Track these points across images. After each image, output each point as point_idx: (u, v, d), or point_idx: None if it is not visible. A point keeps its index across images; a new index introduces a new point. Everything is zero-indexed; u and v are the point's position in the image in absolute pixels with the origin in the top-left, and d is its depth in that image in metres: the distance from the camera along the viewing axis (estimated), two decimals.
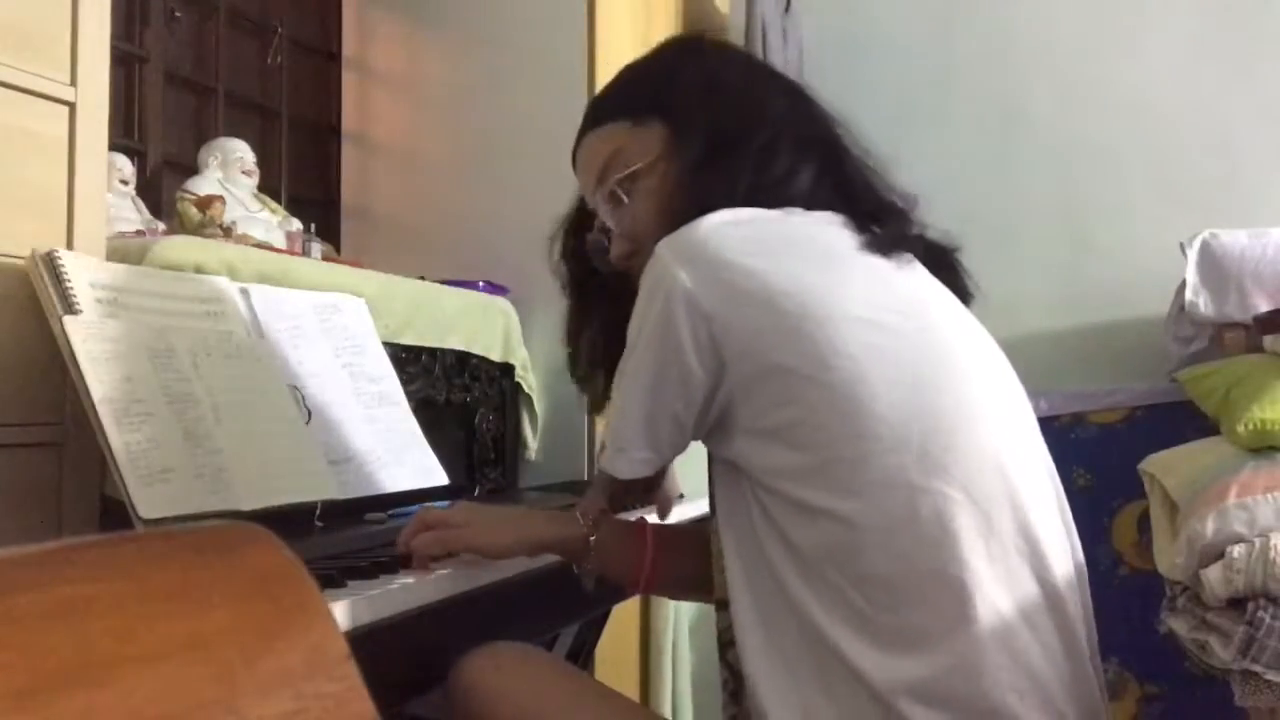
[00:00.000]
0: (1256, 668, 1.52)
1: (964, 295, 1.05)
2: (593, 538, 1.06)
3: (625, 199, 1.08)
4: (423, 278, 1.78)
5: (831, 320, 0.90)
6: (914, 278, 0.99)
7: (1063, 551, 0.93)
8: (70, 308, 1.02)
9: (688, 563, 1.10)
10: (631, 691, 2.05)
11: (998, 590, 0.87)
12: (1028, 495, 0.91)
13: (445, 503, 1.42)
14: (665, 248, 0.94)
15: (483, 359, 1.78)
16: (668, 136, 1.06)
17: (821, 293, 0.91)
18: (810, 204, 1.00)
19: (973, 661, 0.85)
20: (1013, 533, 0.89)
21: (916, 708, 0.84)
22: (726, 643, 0.98)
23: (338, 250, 2.08)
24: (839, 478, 0.88)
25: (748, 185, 1.00)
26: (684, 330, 0.91)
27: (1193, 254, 2.20)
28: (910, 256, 1.00)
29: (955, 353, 0.95)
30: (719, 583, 0.98)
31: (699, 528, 1.18)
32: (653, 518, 1.20)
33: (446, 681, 1.00)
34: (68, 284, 1.02)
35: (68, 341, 0.99)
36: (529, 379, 1.91)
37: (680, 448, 0.99)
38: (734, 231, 0.94)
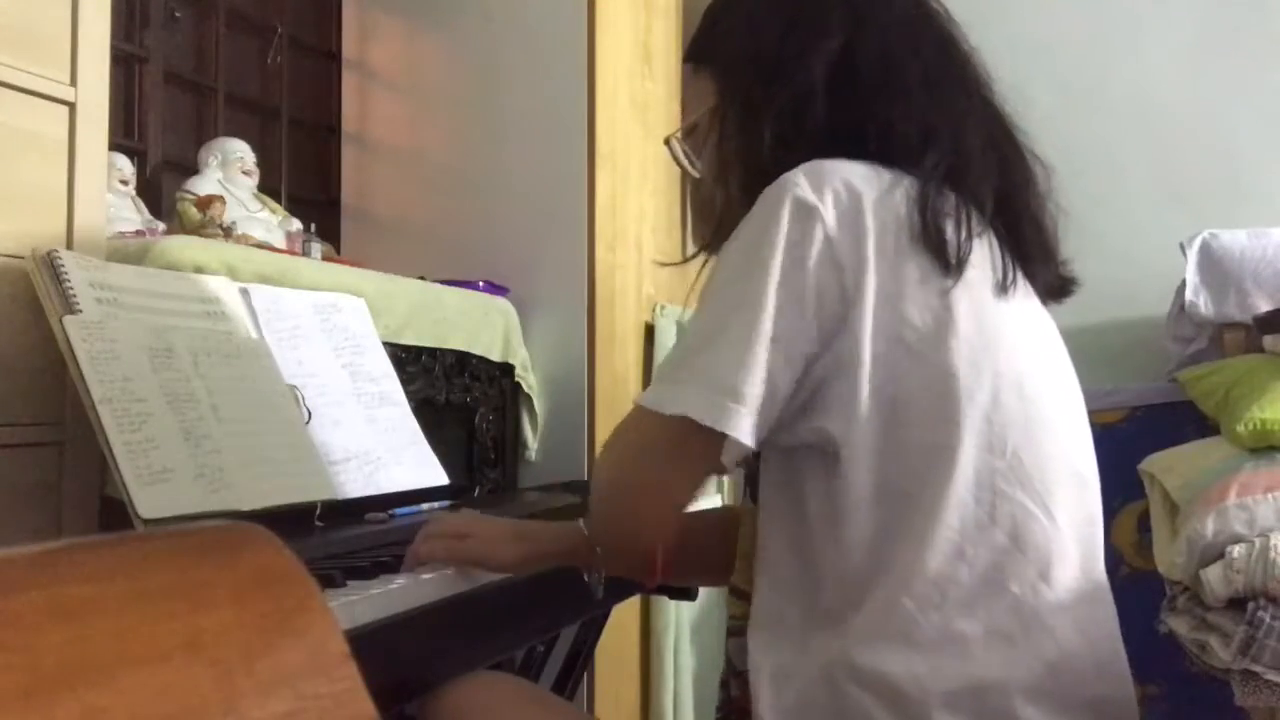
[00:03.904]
0: (1256, 668, 1.52)
1: (1050, 291, 0.96)
2: (599, 548, 1.03)
3: (696, 152, 1.02)
4: (423, 278, 1.78)
5: (959, 294, 0.83)
6: (1011, 284, 0.90)
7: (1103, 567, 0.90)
8: (70, 308, 1.02)
9: (700, 549, 1.07)
10: (631, 691, 2.05)
11: (1057, 612, 0.82)
12: (1095, 517, 0.88)
13: (446, 502, 1.42)
14: (805, 176, 0.83)
15: (483, 359, 1.78)
16: (715, 87, 0.98)
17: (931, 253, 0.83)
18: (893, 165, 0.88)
19: (1014, 679, 0.80)
20: (1079, 555, 0.85)
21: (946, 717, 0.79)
22: (732, 630, 0.97)
23: (338, 250, 2.08)
24: (920, 464, 0.82)
25: (796, 144, 0.88)
26: (811, 278, 0.81)
27: (1193, 254, 2.20)
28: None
29: (1049, 357, 0.90)
30: (740, 568, 0.95)
31: (709, 511, 1.16)
32: None
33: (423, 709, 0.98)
34: (68, 284, 1.02)
35: (68, 341, 0.99)
36: (529, 379, 1.91)
37: (762, 431, 0.83)
38: (876, 179, 0.85)
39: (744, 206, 0.91)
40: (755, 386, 0.80)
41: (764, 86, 0.92)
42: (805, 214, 0.82)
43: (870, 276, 0.81)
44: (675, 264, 1.07)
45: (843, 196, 0.83)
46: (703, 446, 0.83)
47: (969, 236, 0.85)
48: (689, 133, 1.02)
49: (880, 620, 0.81)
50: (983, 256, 0.87)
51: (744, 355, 0.80)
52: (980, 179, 0.89)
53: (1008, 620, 0.81)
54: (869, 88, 0.90)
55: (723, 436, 0.81)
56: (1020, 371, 0.85)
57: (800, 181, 0.83)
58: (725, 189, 0.97)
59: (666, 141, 1.05)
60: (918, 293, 0.82)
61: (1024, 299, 0.90)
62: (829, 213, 0.82)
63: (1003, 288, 0.87)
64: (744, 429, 0.80)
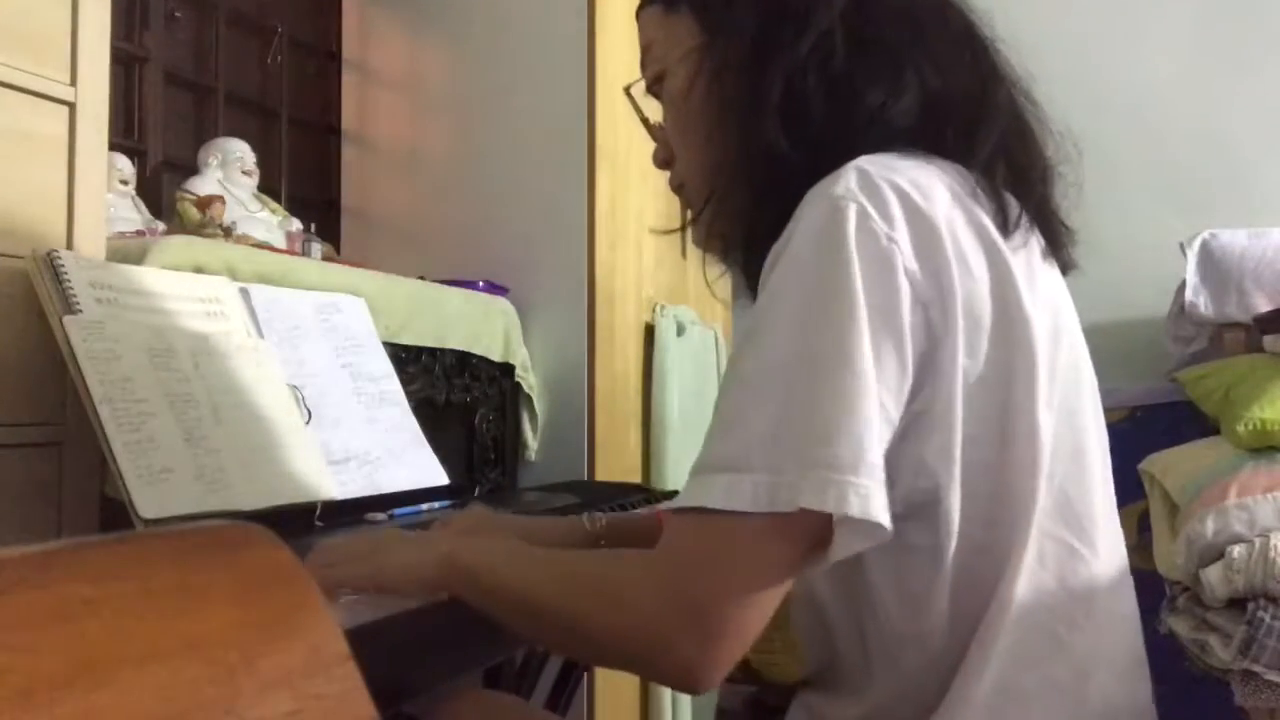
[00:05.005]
0: (1256, 668, 1.52)
1: (1064, 267, 0.86)
2: (602, 542, 1.02)
3: (660, 100, 0.89)
4: (423, 278, 1.78)
5: (1032, 314, 0.72)
6: (1050, 269, 0.81)
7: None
8: (70, 308, 1.02)
9: None
10: (631, 691, 2.05)
11: (1098, 652, 0.77)
12: (1121, 536, 0.83)
13: (446, 502, 1.42)
14: (865, 194, 0.70)
15: (483, 359, 1.78)
16: (696, 30, 0.84)
17: (1005, 272, 0.72)
18: (910, 135, 0.77)
19: None
20: (1115, 586, 0.80)
21: None
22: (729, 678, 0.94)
23: (338, 250, 2.08)
24: (982, 505, 0.72)
25: (796, 102, 0.77)
26: (904, 320, 0.68)
27: (1193, 254, 2.20)
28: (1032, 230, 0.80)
29: (1087, 375, 0.80)
30: (802, 658, 0.86)
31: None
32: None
33: None
34: (68, 284, 1.02)
35: (68, 341, 0.99)
36: (529, 379, 1.91)
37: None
38: (937, 179, 0.74)
39: (726, 170, 0.81)
40: (870, 457, 0.65)
41: (779, 23, 0.79)
42: (877, 246, 0.68)
43: (957, 308, 0.70)
44: (668, 231, 0.96)
45: (913, 215, 0.70)
46: (802, 546, 0.68)
47: (1036, 236, 0.78)
48: (655, 81, 0.89)
49: (947, 688, 0.73)
50: (1035, 244, 0.79)
51: (850, 426, 0.65)
52: (1023, 160, 0.81)
53: (1061, 670, 0.74)
54: (893, 36, 0.78)
55: (829, 523, 0.66)
56: (1078, 400, 0.78)
57: (860, 199, 0.69)
58: (700, 146, 0.85)
59: (626, 90, 0.94)
60: (996, 316, 0.72)
61: (1067, 297, 0.82)
62: (904, 241, 0.69)
63: (1055, 277, 0.81)
64: (883, 510, 0.65)
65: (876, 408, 0.66)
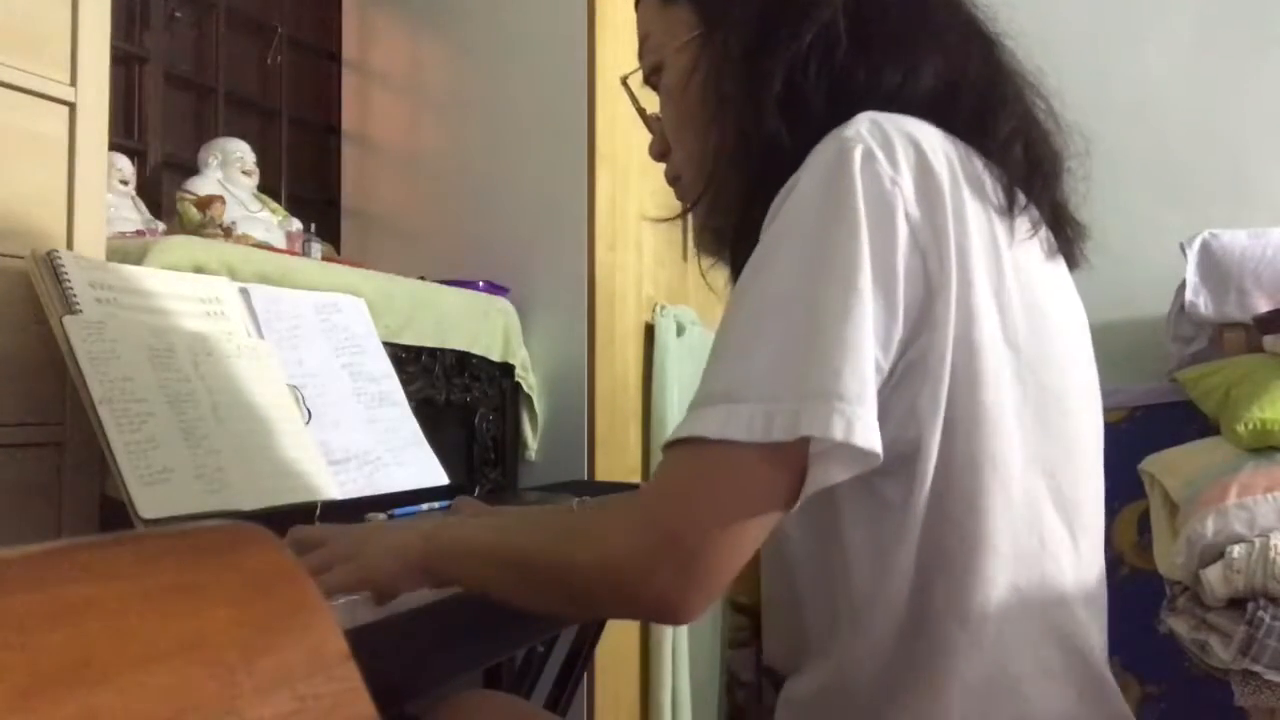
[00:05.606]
0: (1256, 668, 1.52)
1: (1071, 262, 0.86)
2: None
3: (656, 91, 0.89)
4: (423, 278, 1.78)
5: (1024, 285, 0.73)
6: (1054, 264, 0.82)
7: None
8: (70, 308, 1.02)
9: None
10: (631, 692, 2.05)
11: (1079, 638, 0.77)
12: (1101, 531, 0.82)
13: (446, 502, 1.42)
14: (874, 139, 0.70)
15: (483, 359, 1.78)
16: (695, 22, 0.84)
17: (1000, 246, 0.73)
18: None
19: (1058, 714, 0.74)
20: (1096, 580, 0.80)
21: None
22: (734, 643, 0.94)
23: (338, 250, 2.08)
24: (973, 484, 0.72)
25: (797, 95, 0.76)
26: (900, 267, 0.69)
27: (1193, 254, 2.21)
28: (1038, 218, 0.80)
29: (1077, 366, 0.80)
30: (758, 588, 0.87)
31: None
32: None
33: None
34: (68, 284, 1.02)
35: (68, 341, 0.99)
36: (529, 379, 1.91)
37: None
38: (945, 143, 0.74)
39: (723, 162, 0.81)
40: (870, 390, 0.66)
41: (780, 16, 0.78)
42: (880, 187, 0.69)
43: (952, 260, 0.70)
44: (665, 219, 0.97)
45: (919, 163, 0.70)
46: (795, 476, 0.67)
47: (1040, 220, 0.78)
48: (653, 72, 0.88)
49: (926, 665, 0.73)
50: (1040, 238, 0.79)
51: (854, 358, 0.65)
52: (1034, 153, 0.81)
53: (1051, 654, 0.75)
54: (897, 29, 0.78)
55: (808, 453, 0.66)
56: (1064, 383, 0.77)
57: (869, 141, 0.70)
58: (697, 138, 0.84)
59: (623, 81, 0.92)
60: (986, 283, 0.72)
61: (1069, 282, 0.83)
62: (907, 186, 0.69)
63: (1058, 272, 0.81)
64: (876, 438, 0.65)
65: (872, 347, 0.67)
